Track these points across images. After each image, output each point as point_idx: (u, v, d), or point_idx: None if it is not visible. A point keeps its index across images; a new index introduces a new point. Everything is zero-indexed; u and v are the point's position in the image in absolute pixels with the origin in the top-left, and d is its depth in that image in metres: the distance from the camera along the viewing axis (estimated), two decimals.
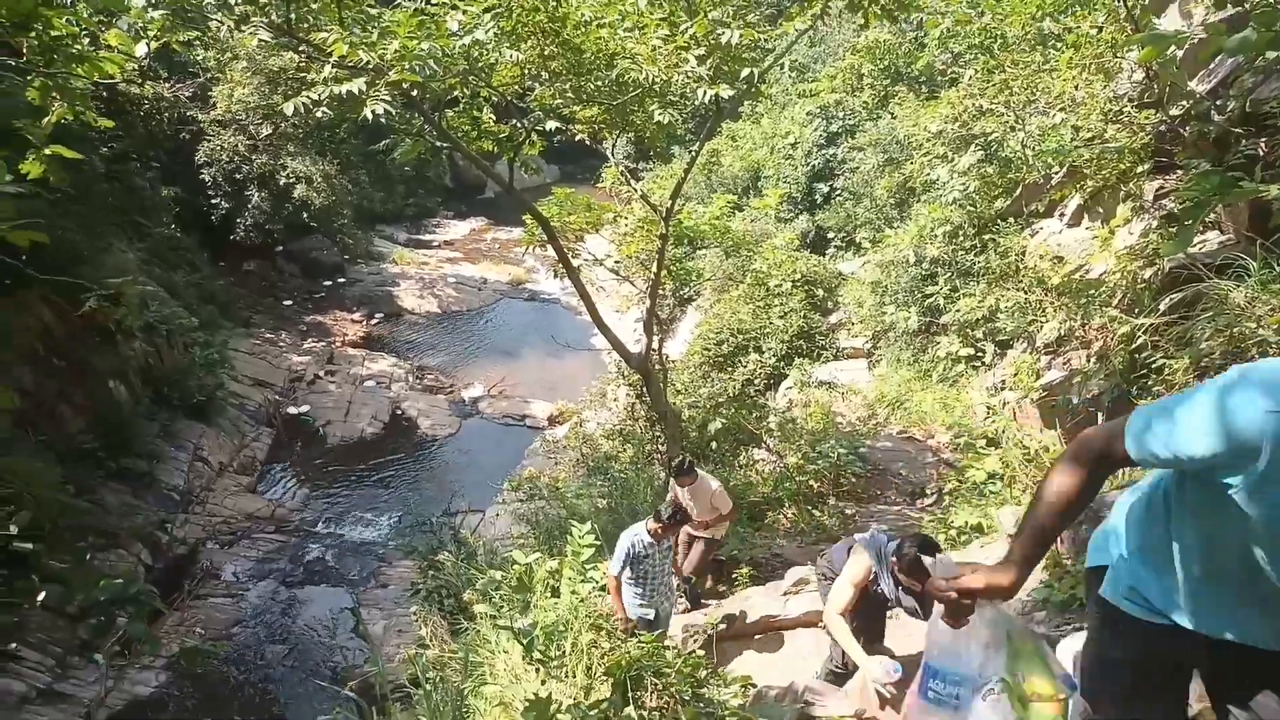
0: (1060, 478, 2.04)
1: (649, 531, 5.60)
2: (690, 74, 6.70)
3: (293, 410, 18.18)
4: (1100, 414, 6.82)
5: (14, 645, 8.97)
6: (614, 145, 10.16)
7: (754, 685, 4.77)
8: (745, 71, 6.90)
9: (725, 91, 6.66)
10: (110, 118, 4.68)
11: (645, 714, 3.65)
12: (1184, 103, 6.67)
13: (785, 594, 6.18)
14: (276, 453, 16.97)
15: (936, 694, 2.08)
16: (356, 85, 5.46)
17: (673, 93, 7.23)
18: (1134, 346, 6.23)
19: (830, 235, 19.91)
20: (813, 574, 6.43)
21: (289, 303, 23.46)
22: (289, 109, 5.84)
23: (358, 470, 16.67)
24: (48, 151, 3.50)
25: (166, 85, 18.49)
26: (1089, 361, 7.39)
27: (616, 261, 11.78)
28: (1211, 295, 5.23)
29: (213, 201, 21.74)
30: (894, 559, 4.27)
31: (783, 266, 16.85)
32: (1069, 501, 2.03)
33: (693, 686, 3.90)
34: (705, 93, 6.62)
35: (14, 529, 3.96)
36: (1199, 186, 3.87)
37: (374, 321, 23.33)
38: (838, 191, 20.05)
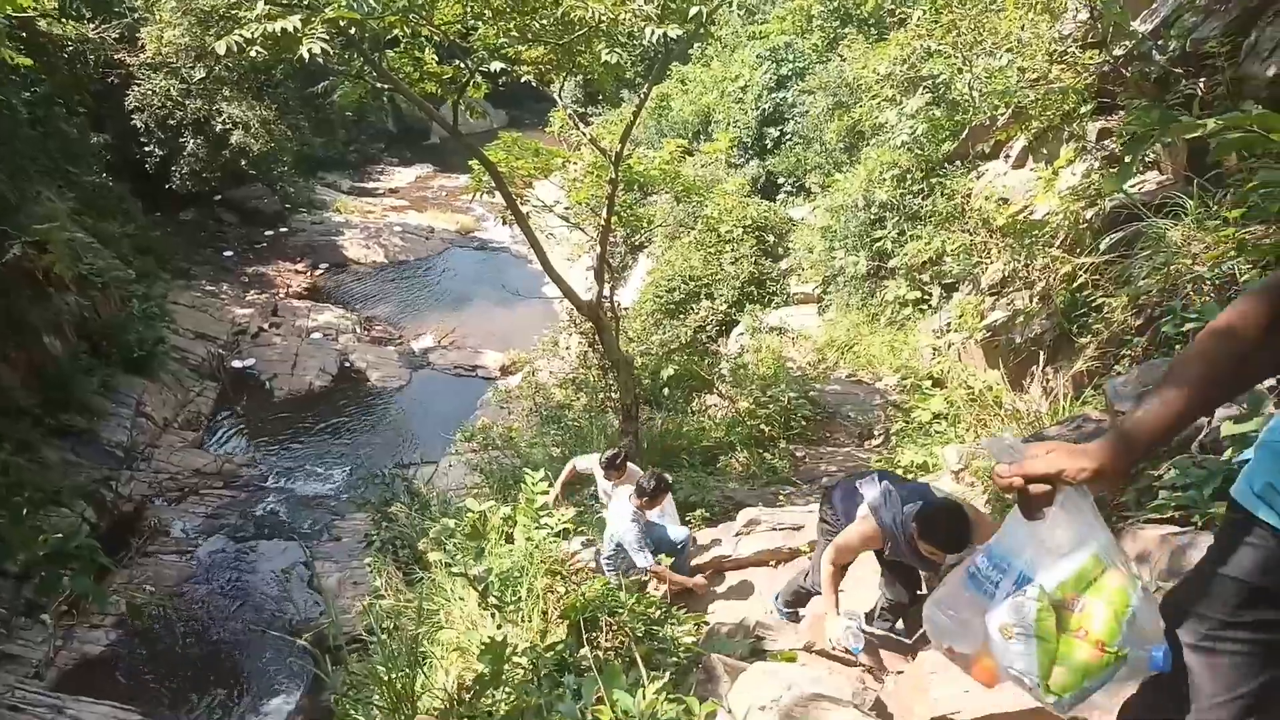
0: (1242, 311, 1.46)
1: (634, 504, 5.55)
2: (638, 12, 6.57)
3: (237, 364, 17.84)
4: (1042, 352, 6.98)
5: None
6: (561, 88, 9.97)
7: (706, 622, 4.87)
8: (694, 10, 6.78)
9: (674, 30, 6.55)
10: (30, 59, 4.45)
11: (601, 654, 3.70)
12: (1126, 43, 6.73)
13: (737, 534, 6.27)
14: (222, 407, 16.67)
15: (976, 572, 1.68)
16: (291, 23, 5.25)
17: (621, 32, 7.09)
18: (1075, 286, 6.36)
19: (781, 180, 19.90)
20: (762, 514, 6.54)
21: (229, 253, 22.85)
22: (221, 48, 5.60)
23: (307, 423, 16.46)
24: None
25: (91, 25, 17.61)
26: (1032, 301, 7.53)
27: (566, 208, 11.65)
28: (1149, 234, 5.34)
29: (146, 149, 20.91)
30: (912, 529, 3.78)
31: (733, 212, 16.83)
32: (1244, 348, 1.44)
33: (646, 625, 3.96)
34: (654, 32, 6.50)
35: None
36: (1139, 121, 3.92)
37: (319, 272, 22.86)
38: (788, 136, 19.99)
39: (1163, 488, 3.46)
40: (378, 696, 3.92)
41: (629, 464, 6.51)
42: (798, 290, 16.06)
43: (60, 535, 3.29)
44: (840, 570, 4.08)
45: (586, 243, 12.64)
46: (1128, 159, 3.85)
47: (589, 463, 6.83)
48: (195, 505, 13.73)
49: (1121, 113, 6.87)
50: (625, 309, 15.54)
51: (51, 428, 12.93)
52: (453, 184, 29.49)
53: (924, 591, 4.44)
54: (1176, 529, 3.25)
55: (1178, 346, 4.68)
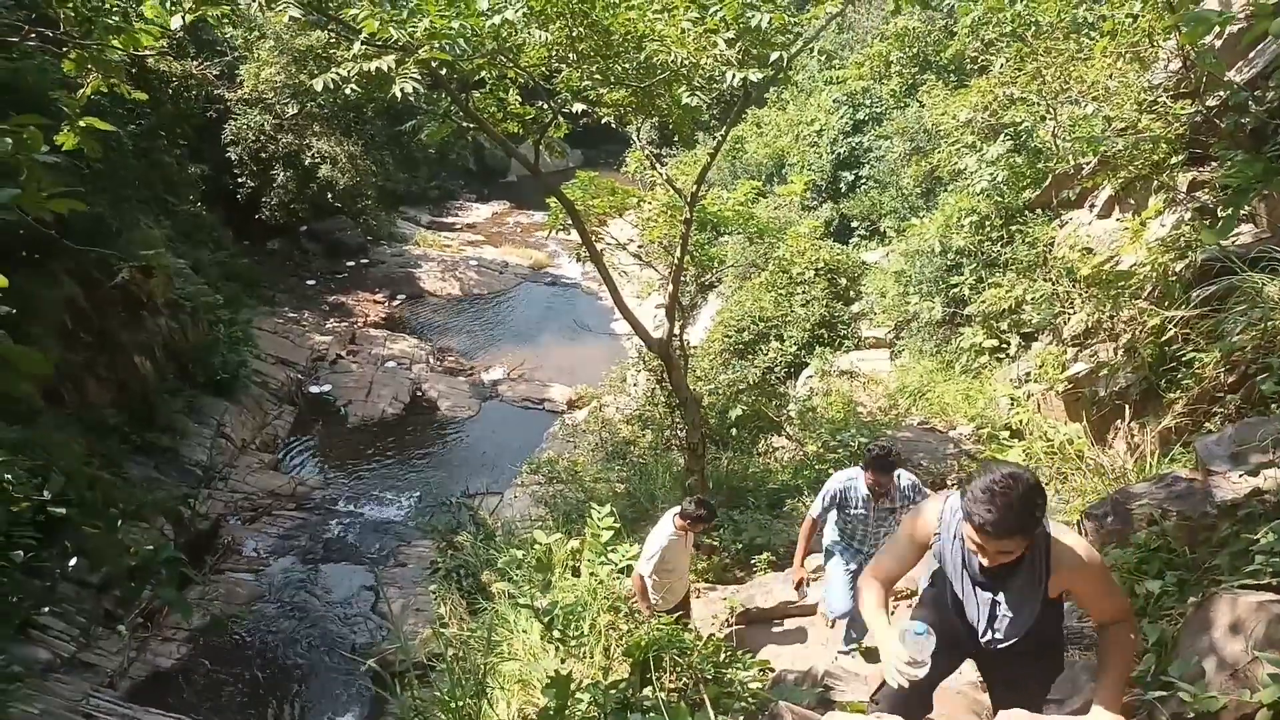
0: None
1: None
2: (719, 57, 6.64)
3: (315, 389, 18.34)
4: (1127, 406, 6.75)
5: (46, 610, 9.12)
6: (639, 129, 10.12)
7: (772, 669, 4.78)
8: (774, 55, 6.83)
9: (754, 75, 6.60)
10: (140, 92, 4.71)
11: (665, 695, 3.66)
12: (1220, 93, 6.55)
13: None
14: (298, 431, 17.14)
15: None
16: (386, 63, 5.45)
17: (701, 76, 7.18)
18: (1163, 339, 6.15)
19: (854, 224, 19.77)
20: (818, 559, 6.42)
21: (312, 282, 23.62)
22: (318, 85, 5.84)
23: (378, 449, 16.79)
24: (82, 123, 3.52)
25: (195, 63, 18.57)
26: (1116, 354, 7.30)
27: (639, 246, 11.75)
28: (1244, 288, 5.15)
29: (238, 180, 21.87)
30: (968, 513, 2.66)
31: (806, 254, 16.77)
32: None
33: (714, 667, 3.90)
34: (734, 76, 6.57)
35: (47, 494, 4.02)
36: (1241, 174, 3.80)
37: (396, 303, 23.44)
38: (863, 180, 19.90)
39: (1260, 552, 3.30)
40: None
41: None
42: (869, 334, 15.86)
43: (151, 548, 3.41)
44: (887, 582, 3.12)
45: (657, 281, 12.73)
46: (1228, 212, 3.72)
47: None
48: (268, 525, 14.07)
49: (1214, 164, 6.68)
50: (694, 347, 15.55)
51: (136, 445, 13.46)
52: (528, 220, 30.06)
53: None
54: (1275, 596, 3.08)
55: (1274, 406, 4.49)
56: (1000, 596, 2.91)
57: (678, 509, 5.63)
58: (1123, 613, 2.86)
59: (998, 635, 2.94)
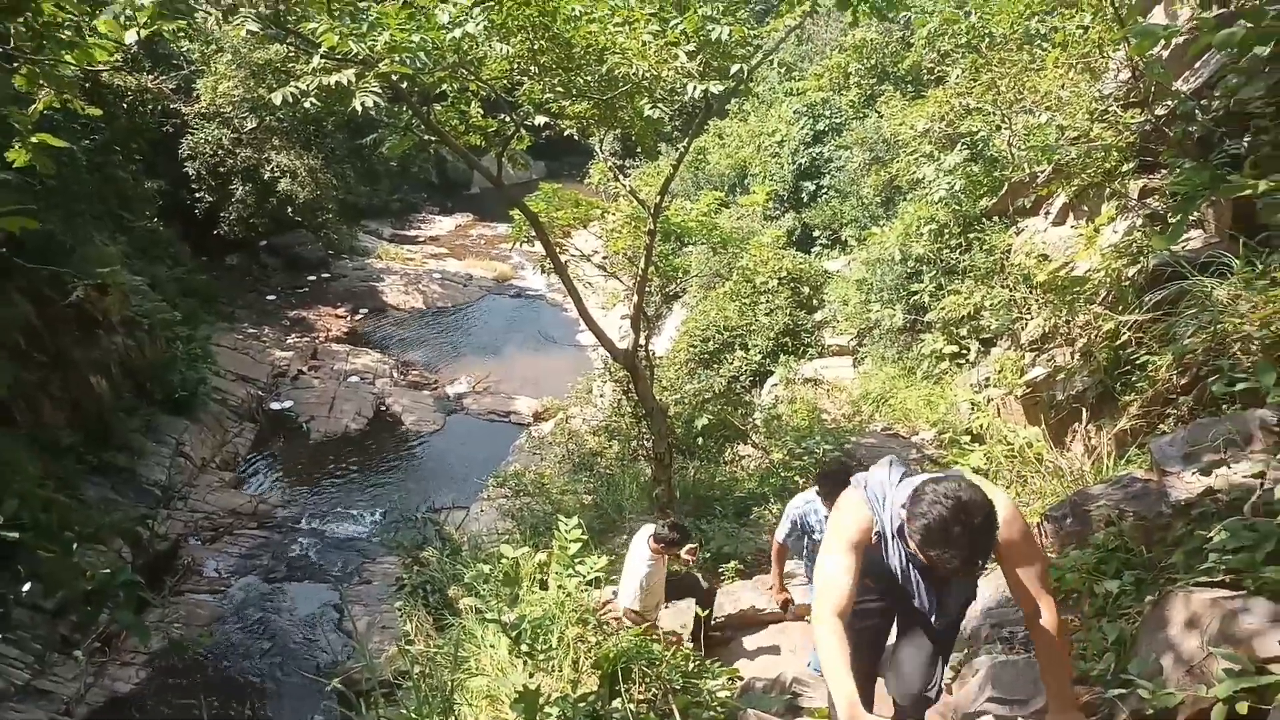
0: None
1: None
2: (680, 69, 6.69)
3: (276, 406, 18.10)
4: (1084, 410, 6.88)
5: (1, 636, 8.89)
6: (602, 141, 10.15)
7: (741, 677, 4.79)
8: (735, 68, 6.90)
9: (715, 87, 6.66)
10: (94, 107, 4.64)
11: (635, 707, 3.65)
12: (1169, 102, 6.73)
13: (770, 587, 6.18)
14: (259, 448, 16.90)
15: None
16: (346, 76, 5.42)
17: (662, 88, 7.23)
18: (1118, 343, 6.28)
19: (816, 233, 19.97)
20: (797, 568, 6.45)
21: (272, 298, 23.34)
22: (277, 99, 5.79)
23: (341, 466, 16.60)
24: (34, 140, 3.47)
25: (150, 77, 18.30)
26: (1073, 358, 7.44)
27: (604, 258, 11.78)
28: (1195, 292, 5.28)
29: (196, 195, 21.56)
30: (905, 510, 2.65)
31: (769, 264, 16.89)
32: None
33: (683, 677, 3.91)
34: (695, 88, 6.62)
35: None
36: (1189, 181, 3.91)
37: (358, 317, 23.24)
38: (824, 190, 20.12)
39: (1213, 550, 3.38)
40: None
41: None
42: (832, 342, 16.01)
43: (108, 572, 3.34)
44: (841, 625, 2.64)
45: (622, 291, 12.75)
46: (1177, 218, 3.82)
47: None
48: (229, 545, 13.84)
49: (1163, 171, 6.85)
50: (659, 358, 15.58)
51: (93, 465, 13.19)
52: (491, 233, 29.97)
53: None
54: (1228, 593, 3.16)
55: (1225, 406, 4.60)
56: (949, 584, 2.97)
57: (649, 531, 5.62)
58: (1045, 585, 2.76)
59: (947, 616, 3.10)
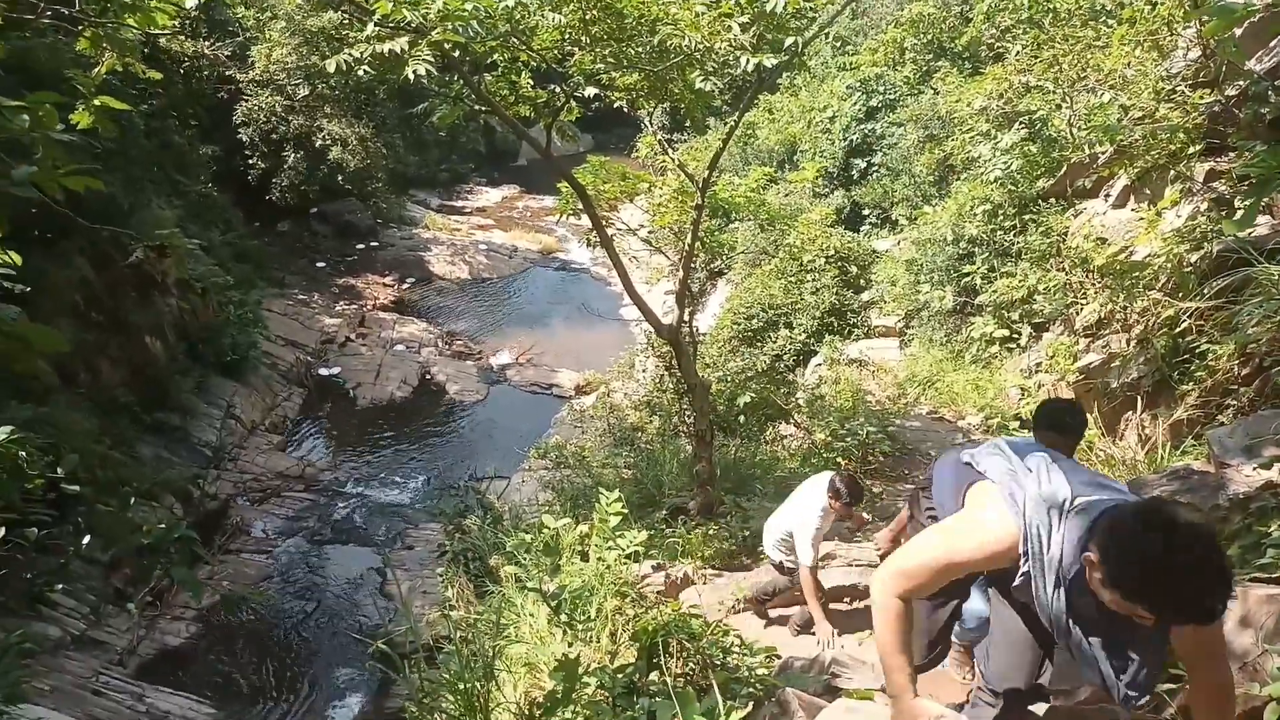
0: None
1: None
2: (733, 42, 6.59)
3: (324, 371, 18.40)
4: (1139, 398, 6.72)
5: (59, 587, 9.20)
6: (651, 114, 10.07)
7: (779, 655, 4.79)
8: (789, 41, 6.78)
9: (768, 60, 6.56)
10: (154, 71, 4.70)
11: (672, 680, 3.67)
12: (1240, 82, 6.48)
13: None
14: (307, 413, 17.21)
15: None
16: (399, 44, 5.43)
17: (714, 61, 7.13)
18: (1177, 331, 6.12)
19: (866, 211, 19.67)
20: (837, 549, 6.42)
21: (322, 265, 23.66)
22: (330, 66, 5.81)
23: (386, 433, 16.85)
24: (96, 102, 3.51)
25: (206, 43, 18.55)
26: (1129, 345, 7.26)
27: (650, 232, 11.72)
28: (1261, 280, 5.11)
29: (249, 161, 21.89)
30: (1089, 554, 2.01)
31: (816, 242, 16.70)
32: None
33: (722, 653, 3.91)
34: (748, 61, 6.52)
35: (60, 473, 4.04)
36: (1264, 164, 3.75)
37: (405, 286, 23.47)
38: (875, 167, 19.79)
39: (1271, 545, 3.29)
40: (449, 704, 3.95)
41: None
42: (879, 323, 15.81)
43: (164, 526, 3.43)
44: (908, 608, 2.31)
45: (667, 266, 12.71)
46: (1249, 202, 3.68)
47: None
48: (276, 507, 14.15)
49: (1232, 154, 6.61)
50: (703, 334, 15.52)
51: (147, 425, 13.53)
52: (537, 205, 30.00)
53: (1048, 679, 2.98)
54: None
55: None
56: (1129, 640, 2.15)
57: (823, 481, 5.26)
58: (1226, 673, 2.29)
59: (1133, 692, 2.18)
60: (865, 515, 5.53)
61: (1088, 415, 7.20)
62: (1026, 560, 2.19)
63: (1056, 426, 3.40)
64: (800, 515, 5.28)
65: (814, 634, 5.43)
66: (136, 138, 14.17)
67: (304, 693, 10.67)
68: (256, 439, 15.57)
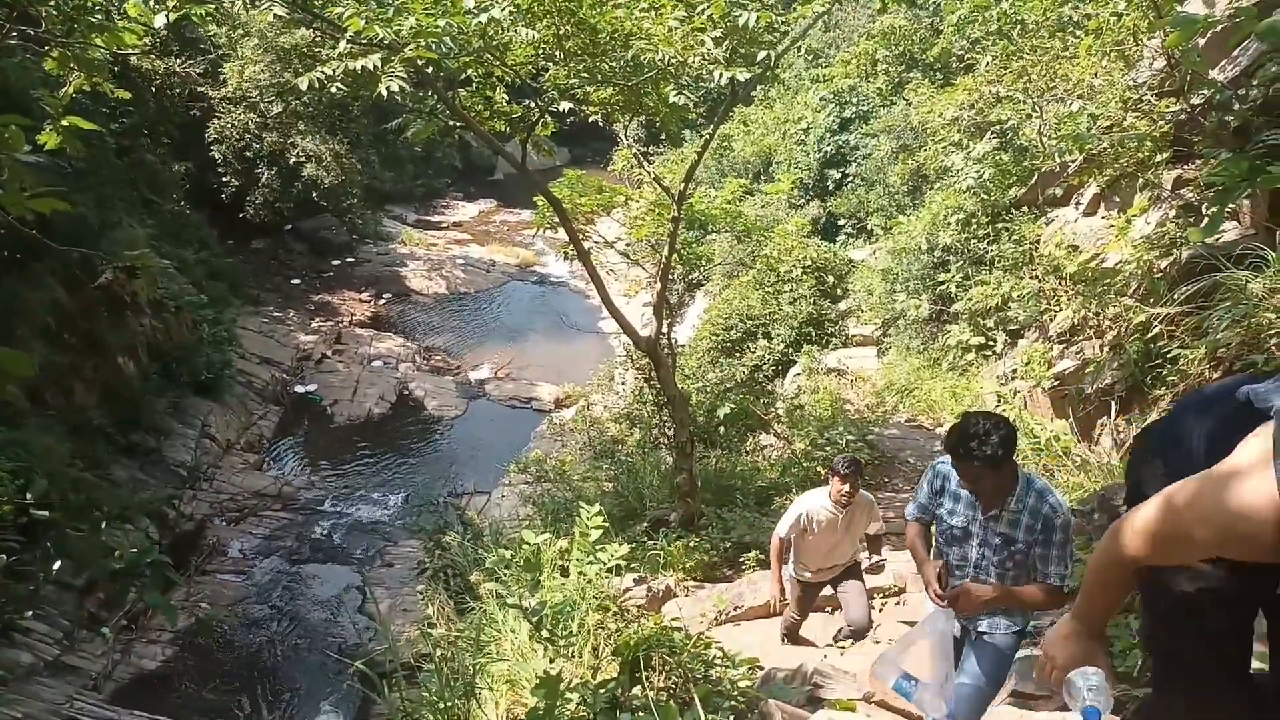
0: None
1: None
2: (707, 55, 6.64)
3: (300, 389, 18.24)
4: (1113, 403, 6.80)
5: (29, 613, 9.04)
6: (626, 127, 10.10)
7: (761, 667, 4.78)
8: (761, 54, 6.84)
9: (742, 74, 6.61)
10: (123, 91, 4.67)
11: (654, 694, 3.65)
12: (1205, 91, 6.60)
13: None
14: (284, 431, 17.04)
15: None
16: (372, 61, 5.43)
17: (688, 74, 7.17)
18: (1149, 336, 6.21)
19: (842, 222, 19.82)
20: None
21: (297, 281, 23.48)
22: (303, 84, 5.80)
23: (364, 449, 16.72)
24: (64, 123, 3.48)
25: (178, 61, 18.42)
26: (1103, 351, 7.35)
27: (627, 245, 11.74)
28: (1229, 285, 5.20)
29: (222, 179, 21.71)
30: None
31: (793, 252, 16.80)
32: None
33: (704, 666, 3.90)
34: (721, 75, 6.57)
35: (29, 498, 3.97)
36: (1227, 172, 3.82)
37: (382, 301, 23.34)
38: (850, 178, 19.95)
39: None
40: None
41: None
42: (856, 332, 15.91)
43: (136, 551, 3.38)
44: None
45: (645, 279, 12.73)
46: (1215, 209, 3.74)
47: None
48: (253, 526, 13.99)
49: (1198, 162, 6.73)
50: (681, 346, 15.55)
51: (121, 446, 13.35)
52: (514, 219, 29.97)
53: None
54: None
55: None
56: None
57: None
58: None
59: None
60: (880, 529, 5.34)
61: (1062, 420, 7.27)
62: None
63: None
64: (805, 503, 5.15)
65: (801, 644, 5.43)
66: (107, 157, 14.04)
67: (284, 713, 10.53)
68: (232, 458, 15.39)
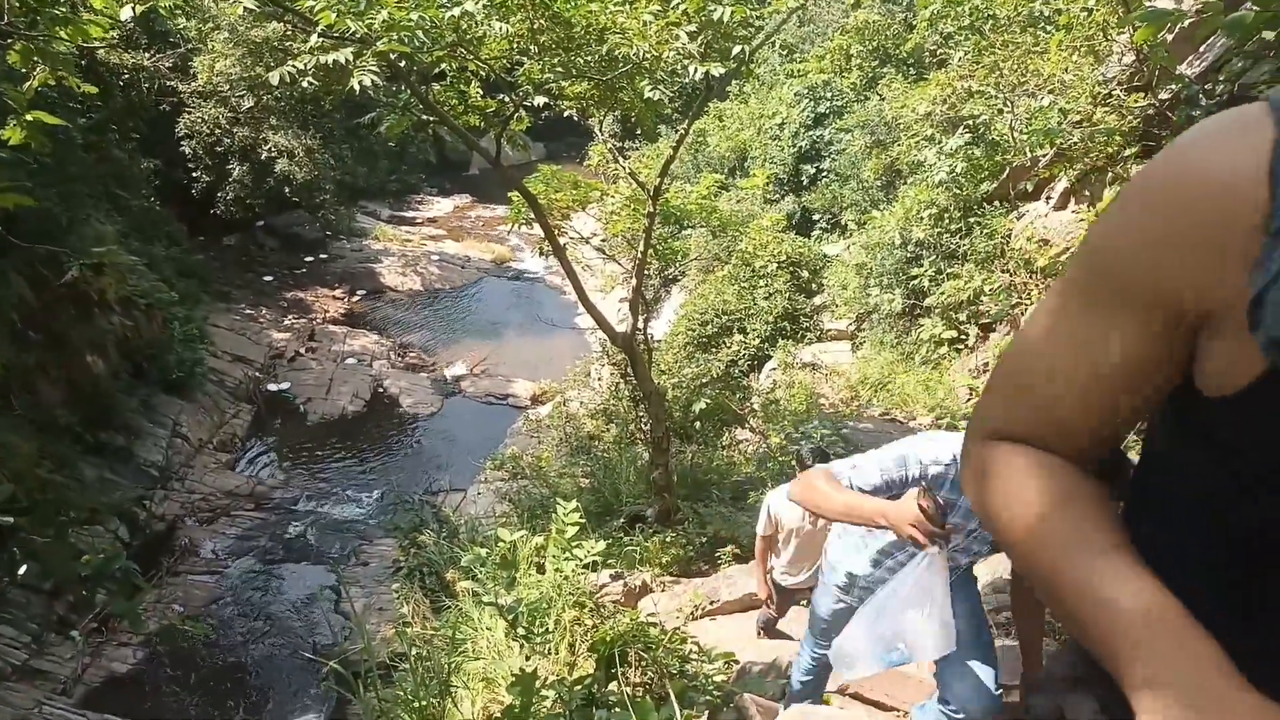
0: None
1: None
2: (681, 50, 6.63)
3: (273, 387, 18.06)
4: None
5: None
6: (601, 123, 10.08)
7: (737, 661, 4.80)
8: (736, 49, 6.84)
9: (716, 69, 6.60)
10: (90, 85, 4.59)
11: (630, 690, 3.66)
12: (1173, 86, 6.69)
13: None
14: (257, 429, 16.86)
15: None
16: (344, 55, 5.37)
17: (663, 69, 7.16)
18: None
19: (816, 217, 19.91)
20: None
21: (269, 278, 23.24)
22: (274, 78, 5.74)
23: (339, 447, 16.59)
24: (29, 117, 3.42)
25: (147, 55, 18.16)
26: None
27: (602, 240, 11.73)
28: None
29: (193, 174, 21.44)
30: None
31: (768, 247, 16.85)
32: None
33: (679, 661, 3.91)
34: (696, 70, 6.57)
35: None
36: None
37: (355, 298, 23.16)
38: (824, 173, 20.03)
39: None
40: None
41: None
42: (831, 326, 15.99)
43: (103, 556, 3.33)
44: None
45: (621, 274, 12.72)
46: None
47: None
48: (226, 526, 13.84)
49: None
50: (657, 341, 15.56)
51: (90, 445, 13.14)
52: (490, 214, 29.84)
53: None
54: None
55: None
56: None
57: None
58: None
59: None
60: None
61: None
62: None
63: None
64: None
65: (777, 637, 5.46)
66: (74, 152, 13.80)
67: (258, 714, 10.43)
68: (204, 457, 15.22)
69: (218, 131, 21.19)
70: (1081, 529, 0.80)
